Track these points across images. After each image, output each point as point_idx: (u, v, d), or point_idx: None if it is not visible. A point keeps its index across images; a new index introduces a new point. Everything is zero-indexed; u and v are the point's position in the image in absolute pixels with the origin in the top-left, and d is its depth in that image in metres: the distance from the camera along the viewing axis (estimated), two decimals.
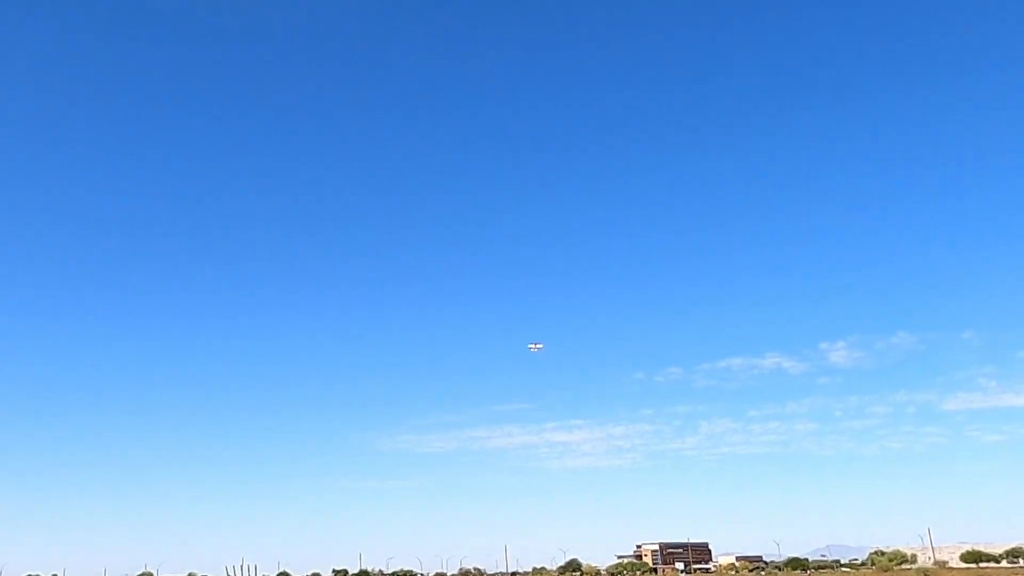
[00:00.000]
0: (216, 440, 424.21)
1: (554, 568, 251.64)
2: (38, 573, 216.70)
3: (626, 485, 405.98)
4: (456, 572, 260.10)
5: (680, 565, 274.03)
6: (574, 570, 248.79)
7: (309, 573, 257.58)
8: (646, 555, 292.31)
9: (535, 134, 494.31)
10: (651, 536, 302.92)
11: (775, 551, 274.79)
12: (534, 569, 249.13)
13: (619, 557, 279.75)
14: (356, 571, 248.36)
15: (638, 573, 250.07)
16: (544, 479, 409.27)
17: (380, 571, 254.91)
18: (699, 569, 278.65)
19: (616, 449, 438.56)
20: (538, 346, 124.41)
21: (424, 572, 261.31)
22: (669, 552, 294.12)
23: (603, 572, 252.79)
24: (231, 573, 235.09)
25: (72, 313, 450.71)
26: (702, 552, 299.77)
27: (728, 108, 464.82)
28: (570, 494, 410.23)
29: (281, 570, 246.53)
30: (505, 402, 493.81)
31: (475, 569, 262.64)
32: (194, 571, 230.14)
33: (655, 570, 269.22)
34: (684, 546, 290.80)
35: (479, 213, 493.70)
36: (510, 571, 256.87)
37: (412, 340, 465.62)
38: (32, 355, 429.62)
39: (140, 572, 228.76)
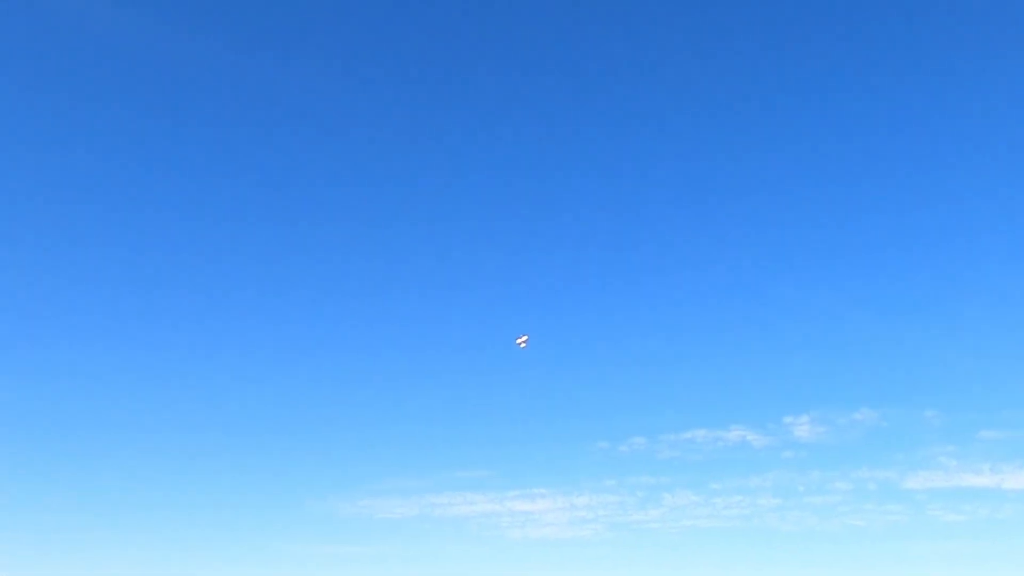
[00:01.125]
0: (164, 500, 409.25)
1: None
2: None
3: (589, 557, 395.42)
4: None
5: None
6: None
7: None
8: None
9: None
10: None
11: None
12: None
13: None
14: None
15: None
16: (506, 549, 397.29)
17: None
18: None
19: (579, 520, 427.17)
20: (524, 339, 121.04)
21: None
22: None
23: None
24: None
25: None
26: None
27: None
28: (532, 565, 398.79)
29: None
30: (468, 468, 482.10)
31: None
32: None
33: None
34: None
35: (445, 278, 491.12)
36: None
37: (371, 400, 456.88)
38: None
39: None
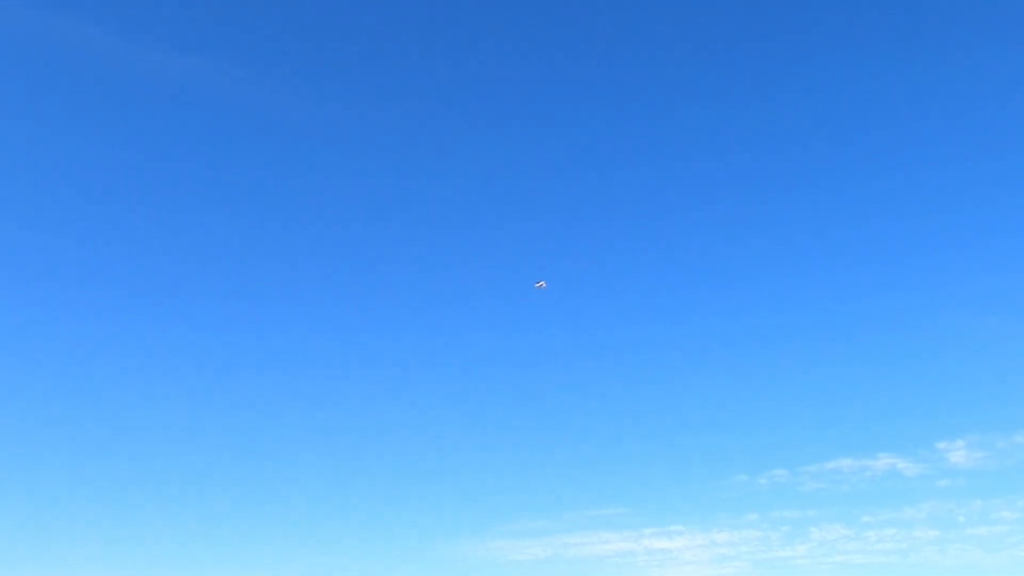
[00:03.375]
0: (306, 554, 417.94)
1: None
2: None
3: None
4: None
5: None
6: None
7: None
8: None
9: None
10: None
11: None
12: None
13: None
14: None
15: None
16: None
17: None
18: None
19: (721, 557, 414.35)
20: (542, 284, 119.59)
21: None
22: None
23: None
24: None
25: None
26: None
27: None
28: None
29: None
30: (601, 506, 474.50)
31: None
32: None
33: None
34: None
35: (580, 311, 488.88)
36: None
37: (501, 439, 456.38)
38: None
39: None
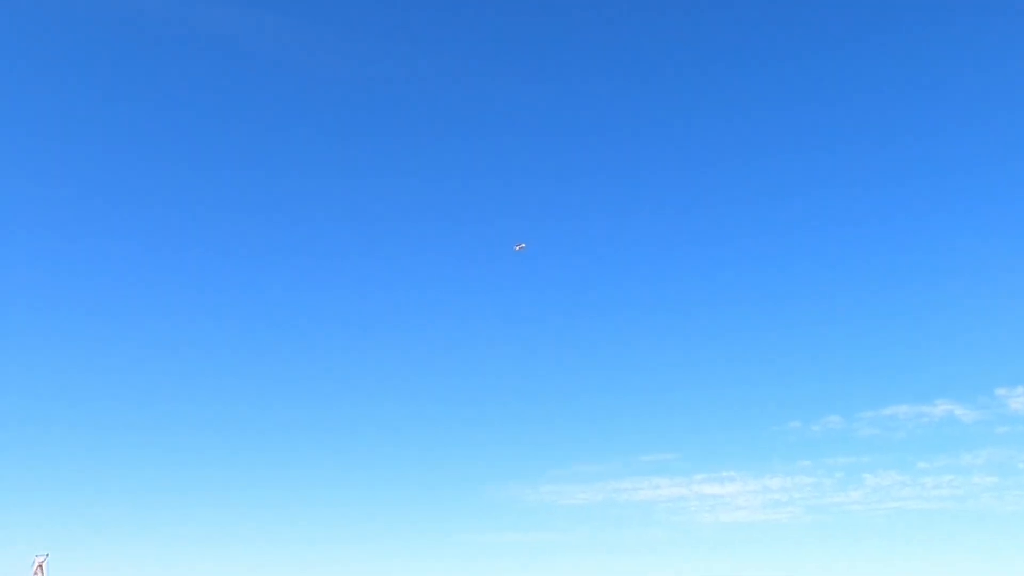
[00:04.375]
0: (360, 501, 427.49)
1: None
2: None
3: (786, 541, 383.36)
4: None
5: None
6: None
7: None
8: None
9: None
10: None
11: None
12: None
13: None
14: None
15: None
16: (696, 533, 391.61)
17: None
18: None
19: (773, 502, 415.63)
20: (522, 246, 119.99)
21: None
22: None
23: None
24: None
25: None
26: None
27: None
28: (725, 549, 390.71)
29: None
30: (653, 451, 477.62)
31: None
32: None
33: None
34: None
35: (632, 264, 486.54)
36: None
37: (553, 386, 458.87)
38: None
39: None
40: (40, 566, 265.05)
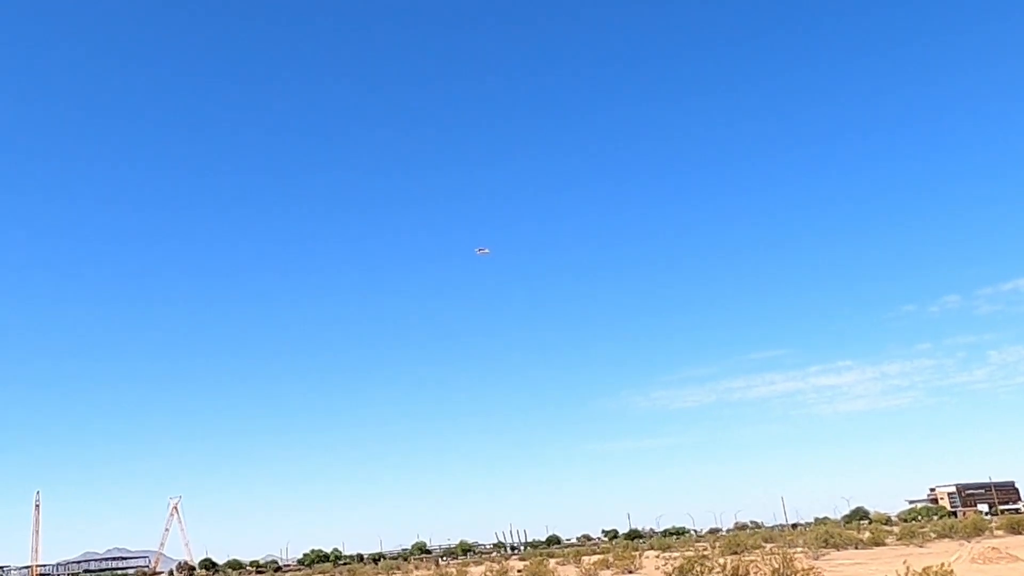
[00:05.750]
0: (476, 413, 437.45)
1: (838, 517, 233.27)
2: (320, 548, 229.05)
3: (909, 425, 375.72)
4: (732, 527, 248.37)
5: (983, 507, 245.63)
6: (861, 518, 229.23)
7: (578, 535, 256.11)
8: (942, 498, 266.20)
9: None
10: (945, 478, 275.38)
11: None
12: (816, 520, 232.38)
13: (910, 502, 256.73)
14: (626, 531, 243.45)
15: (935, 518, 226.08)
16: (814, 426, 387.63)
17: (651, 530, 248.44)
18: (1008, 510, 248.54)
19: (893, 388, 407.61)
20: (484, 251, 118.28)
21: (697, 529, 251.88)
22: (968, 494, 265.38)
23: (894, 519, 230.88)
24: (501, 539, 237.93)
25: None
26: (1008, 492, 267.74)
27: None
28: (845, 439, 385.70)
29: (550, 534, 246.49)
30: (763, 348, 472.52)
31: (752, 523, 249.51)
32: (465, 539, 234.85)
33: (954, 513, 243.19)
34: (986, 486, 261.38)
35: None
36: (790, 523, 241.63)
37: (656, 289, 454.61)
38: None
39: (414, 543, 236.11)
40: (175, 507, 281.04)
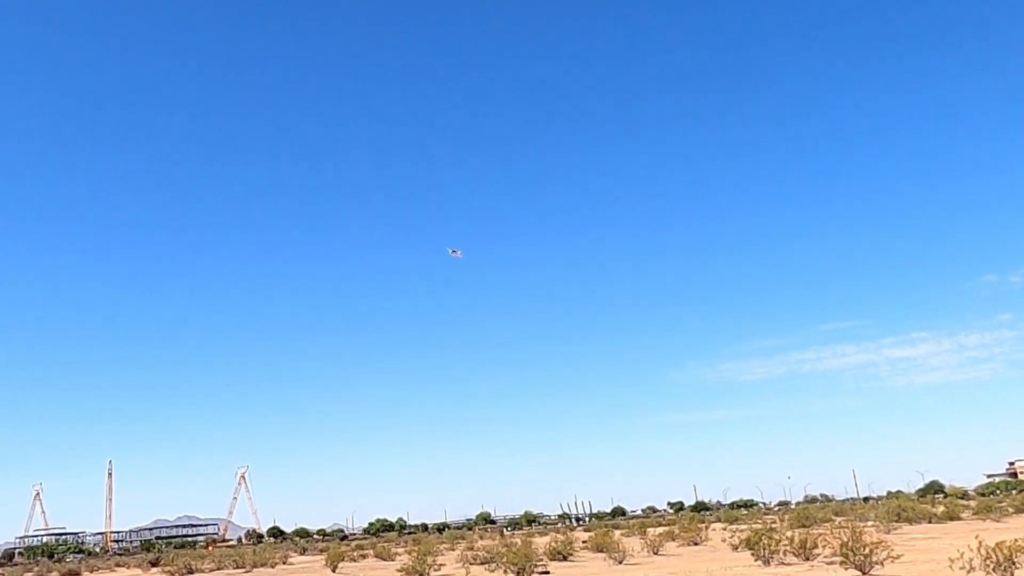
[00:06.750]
0: (541, 385, 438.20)
1: (912, 491, 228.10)
2: (385, 517, 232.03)
3: (988, 398, 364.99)
4: (801, 500, 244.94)
5: None
6: (936, 492, 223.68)
7: (644, 507, 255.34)
8: (1021, 472, 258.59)
9: None
10: None
11: None
12: (889, 493, 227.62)
13: (989, 476, 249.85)
14: (693, 503, 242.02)
15: (1014, 492, 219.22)
16: (888, 398, 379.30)
17: (718, 502, 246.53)
18: None
19: (971, 360, 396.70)
20: (457, 253, 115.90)
21: (766, 501, 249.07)
22: None
23: (971, 492, 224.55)
24: (566, 510, 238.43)
25: None
26: None
27: None
28: (920, 412, 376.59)
29: (615, 505, 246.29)
30: (833, 319, 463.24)
31: (822, 496, 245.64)
32: (530, 510, 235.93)
33: None
34: None
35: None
36: (862, 496, 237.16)
37: (719, 262, 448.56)
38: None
39: (478, 513, 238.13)
40: (243, 476, 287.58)
